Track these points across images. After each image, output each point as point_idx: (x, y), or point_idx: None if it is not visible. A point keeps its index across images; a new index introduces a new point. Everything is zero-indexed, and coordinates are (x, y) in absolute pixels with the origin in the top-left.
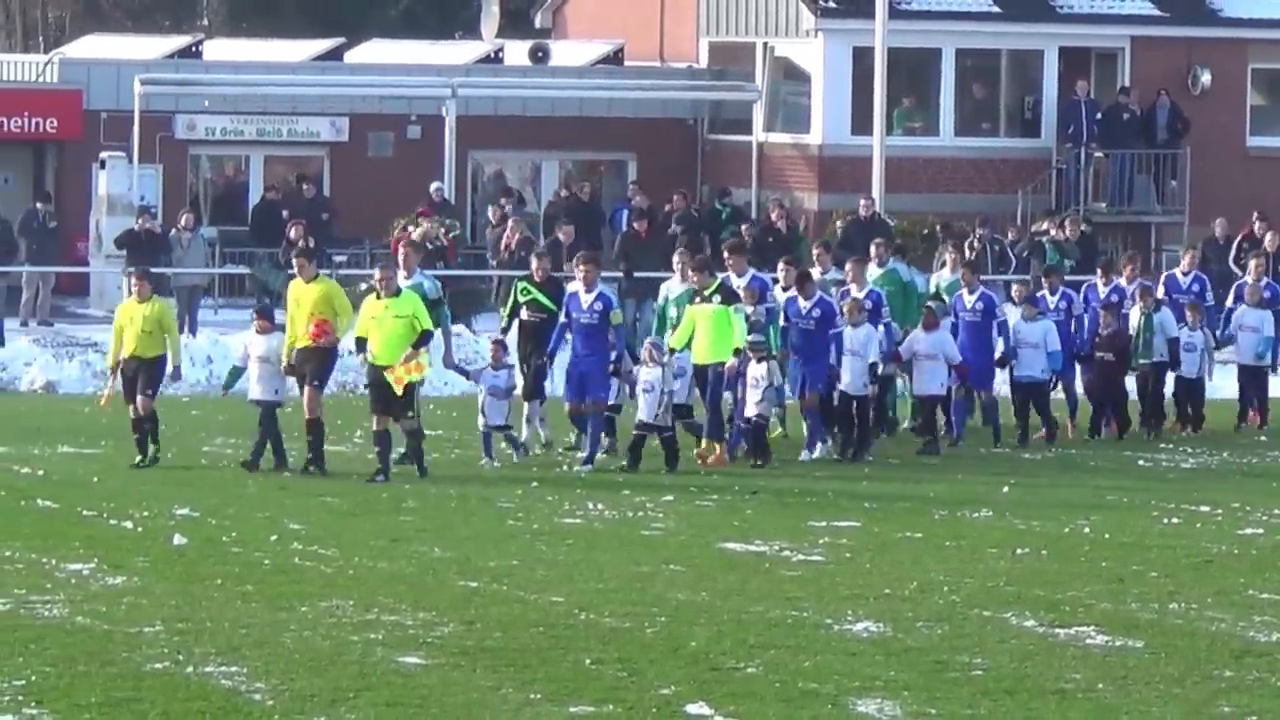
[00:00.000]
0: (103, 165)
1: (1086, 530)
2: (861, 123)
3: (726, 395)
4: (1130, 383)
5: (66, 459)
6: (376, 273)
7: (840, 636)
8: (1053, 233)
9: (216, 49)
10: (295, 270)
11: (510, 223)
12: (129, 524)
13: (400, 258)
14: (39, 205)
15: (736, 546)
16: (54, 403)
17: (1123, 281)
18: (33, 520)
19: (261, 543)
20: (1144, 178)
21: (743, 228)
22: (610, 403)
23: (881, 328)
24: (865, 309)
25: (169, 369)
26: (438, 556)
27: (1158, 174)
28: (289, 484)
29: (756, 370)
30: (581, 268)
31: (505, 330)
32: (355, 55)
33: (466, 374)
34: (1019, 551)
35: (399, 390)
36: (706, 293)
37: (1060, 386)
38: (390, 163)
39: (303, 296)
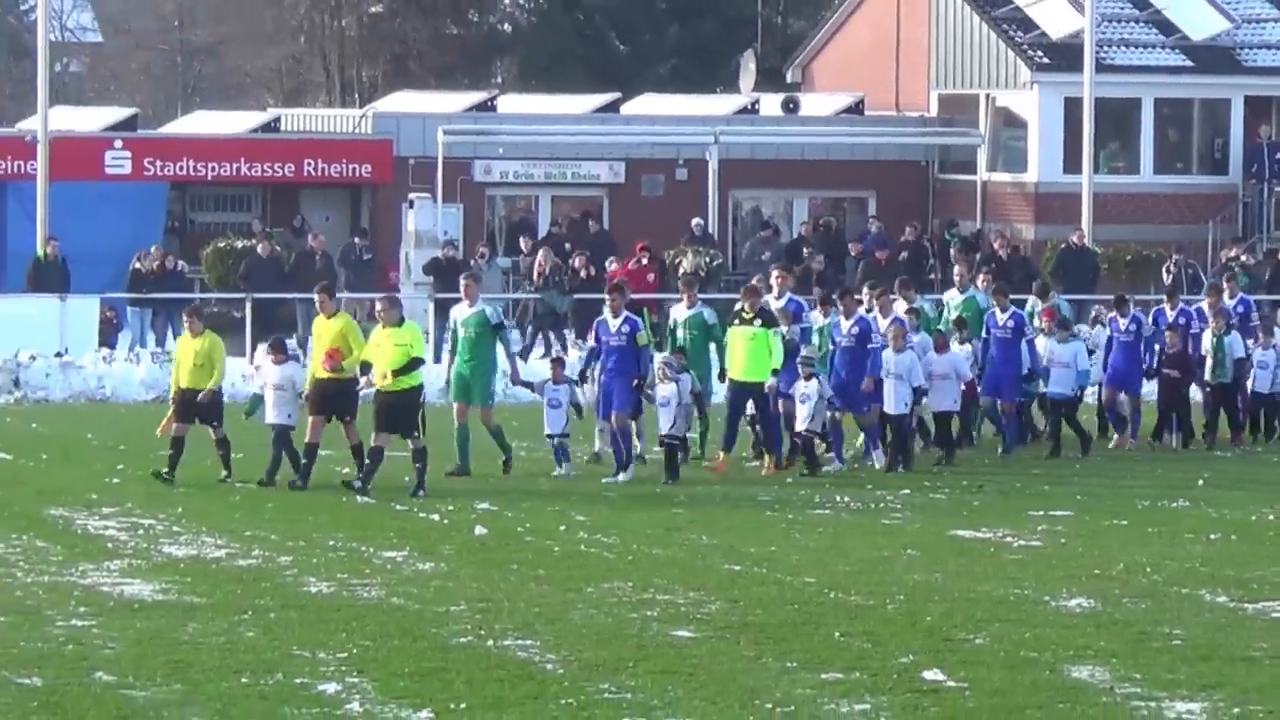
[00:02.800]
0: (411, 205)
1: (1271, 518)
2: (1072, 163)
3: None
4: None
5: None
6: (379, 304)
7: (1056, 611)
8: (1242, 258)
9: (509, 103)
10: (317, 305)
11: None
12: (436, 516)
13: (462, 289)
14: (356, 240)
15: (965, 533)
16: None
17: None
18: (352, 514)
19: (552, 532)
20: None
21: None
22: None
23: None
24: (908, 334)
25: (209, 393)
26: (706, 543)
27: None
28: (573, 481)
29: (805, 387)
30: (609, 297)
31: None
32: (630, 107)
33: (531, 387)
34: (1212, 536)
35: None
36: (747, 316)
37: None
38: (661, 201)
39: (323, 331)
